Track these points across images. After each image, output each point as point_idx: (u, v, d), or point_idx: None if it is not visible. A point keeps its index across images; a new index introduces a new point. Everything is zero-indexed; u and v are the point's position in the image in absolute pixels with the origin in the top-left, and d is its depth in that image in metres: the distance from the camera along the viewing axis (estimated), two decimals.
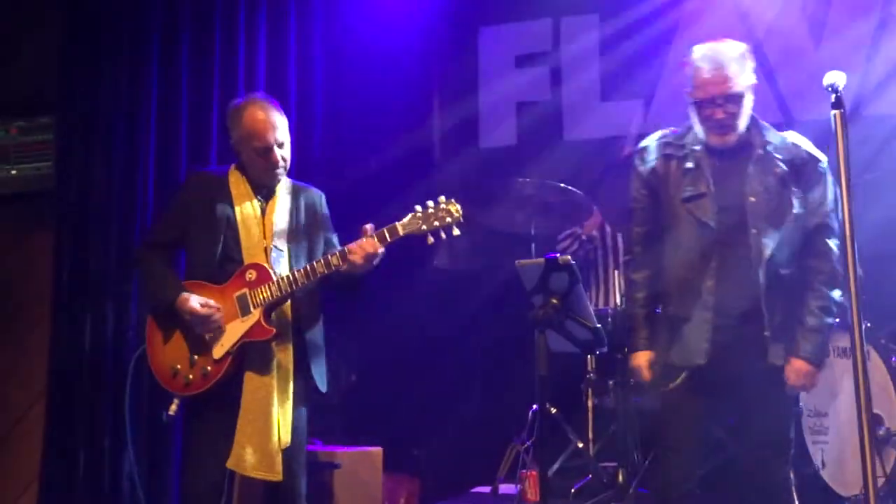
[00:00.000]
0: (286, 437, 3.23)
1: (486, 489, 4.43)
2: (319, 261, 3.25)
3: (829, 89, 2.76)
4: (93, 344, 4.22)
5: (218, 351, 3.22)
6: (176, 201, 3.49)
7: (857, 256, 2.69)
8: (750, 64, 3.13)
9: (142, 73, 4.24)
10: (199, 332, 3.23)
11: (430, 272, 5.27)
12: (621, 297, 4.19)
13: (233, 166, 3.45)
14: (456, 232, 3.20)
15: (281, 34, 4.88)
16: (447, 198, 3.20)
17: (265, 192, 3.40)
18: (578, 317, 2.89)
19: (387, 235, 3.20)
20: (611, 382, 4.23)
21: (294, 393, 3.27)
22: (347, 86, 5.37)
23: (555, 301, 2.85)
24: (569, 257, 2.88)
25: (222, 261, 3.30)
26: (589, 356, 4.24)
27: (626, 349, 3.26)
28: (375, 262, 3.22)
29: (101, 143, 4.18)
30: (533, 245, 4.53)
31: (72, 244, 4.15)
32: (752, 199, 3.07)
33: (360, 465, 4.45)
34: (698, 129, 3.14)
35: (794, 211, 3.07)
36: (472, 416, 4.97)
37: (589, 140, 5.34)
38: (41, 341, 4.27)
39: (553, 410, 4.24)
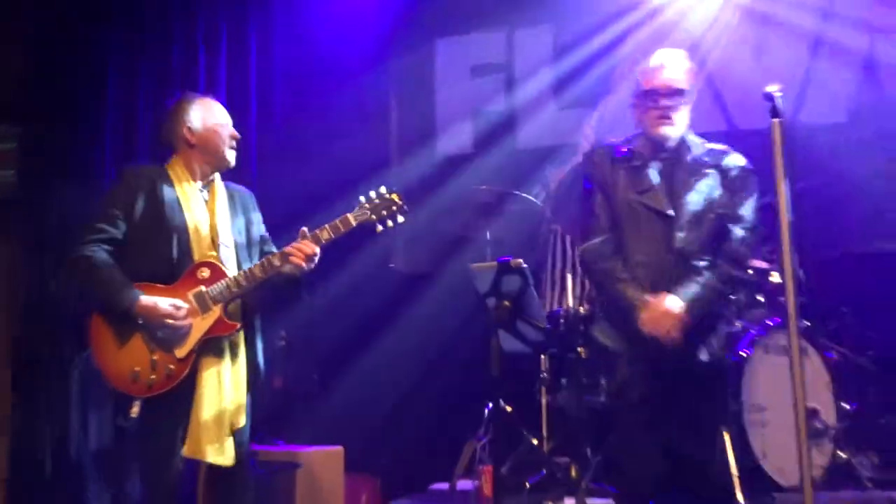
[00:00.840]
0: (238, 423, 3.23)
1: (445, 486, 4.43)
2: (267, 260, 3.25)
3: (768, 100, 2.87)
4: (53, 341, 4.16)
5: (181, 350, 3.16)
6: (114, 196, 3.30)
7: (801, 259, 2.79)
8: (692, 72, 3.35)
9: (102, 86, 4.21)
10: (164, 334, 3.16)
11: (387, 275, 5.31)
12: (574, 299, 4.24)
13: (170, 162, 3.36)
14: (401, 219, 3.26)
15: (242, 45, 4.87)
16: (388, 188, 3.27)
17: (206, 185, 3.36)
18: (530, 318, 2.95)
19: (340, 226, 3.23)
20: (563, 381, 4.25)
21: (246, 381, 3.28)
22: (307, 94, 5.37)
23: (507, 303, 2.91)
24: (521, 261, 2.94)
25: (176, 257, 3.22)
26: (543, 357, 4.27)
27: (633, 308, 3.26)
28: (313, 262, 3.24)
29: (62, 153, 4.13)
30: (488, 249, 4.59)
31: (34, 256, 4.09)
32: (684, 199, 3.26)
33: (322, 464, 4.45)
34: (643, 124, 3.34)
35: (716, 212, 3.27)
36: (430, 415, 5.00)
37: (542, 147, 5.41)
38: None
39: (508, 409, 4.27)
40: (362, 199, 3.27)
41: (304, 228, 3.26)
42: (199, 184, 3.35)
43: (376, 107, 5.67)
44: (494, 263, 2.97)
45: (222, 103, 4.06)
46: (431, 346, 4.97)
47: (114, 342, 3.22)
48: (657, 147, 3.34)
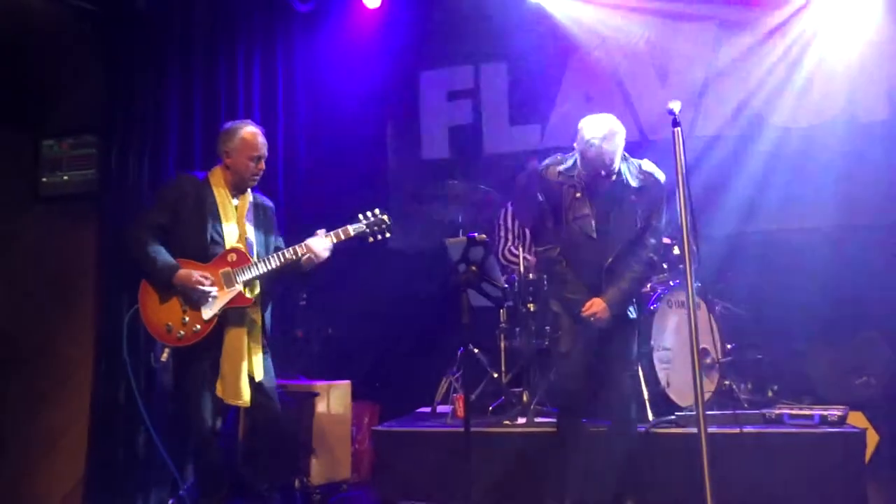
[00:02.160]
0: (258, 375, 3.25)
1: (427, 409, 4.44)
2: (287, 250, 3.28)
3: (670, 114, 2.85)
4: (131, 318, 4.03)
5: (207, 313, 3.19)
6: (167, 193, 3.35)
7: (696, 236, 2.79)
8: (621, 140, 3.19)
9: (165, 101, 4.12)
10: (195, 299, 3.16)
11: (386, 251, 5.29)
12: (524, 268, 4.20)
13: (213, 171, 3.37)
14: (388, 235, 3.36)
15: (270, 75, 4.80)
16: (381, 210, 3.36)
17: (238, 195, 3.37)
18: (491, 280, 2.94)
19: (341, 234, 3.33)
20: (518, 329, 4.23)
21: (262, 344, 3.30)
22: (323, 115, 5.34)
23: (474, 268, 2.89)
24: (485, 236, 2.92)
25: (209, 244, 3.25)
26: (501, 310, 4.25)
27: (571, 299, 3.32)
28: (326, 255, 3.28)
29: (133, 156, 4.05)
30: (460, 231, 4.56)
31: (110, 233, 4.01)
32: (615, 220, 3.24)
33: (334, 394, 4.43)
34: (582, 165, 3.22)
35: (638, 226, 3.25)
36: (416, 356, 4.96)
37: (502, 154, 5.39)
38: (87, 314, 4.11)
39: (476, 351, 4.29)
40: (360, 216, 3.34)
41: (321, 230, 3.31)
42: (231, 192, 3.35)
43: (376, 125, 5.65)
44: (464, 238, 2.95)
45: (256, 120, 4.04)
46: (417, 304, 4.95)
47: (155, 301, 3.23)
48: (593, 178, 3.22)
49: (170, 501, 3.75)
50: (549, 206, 3.32)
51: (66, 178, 4.20)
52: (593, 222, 3.23)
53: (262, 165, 3.37)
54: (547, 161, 3.38)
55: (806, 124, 4.87)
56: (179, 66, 4.22)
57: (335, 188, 5.13)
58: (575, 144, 3.23)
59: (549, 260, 3.36)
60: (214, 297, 3.19)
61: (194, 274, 3.17)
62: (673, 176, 2.89)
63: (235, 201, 3.35)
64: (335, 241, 3.31)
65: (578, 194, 3.24)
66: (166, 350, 3.19)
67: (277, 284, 3.49)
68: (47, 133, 4.25)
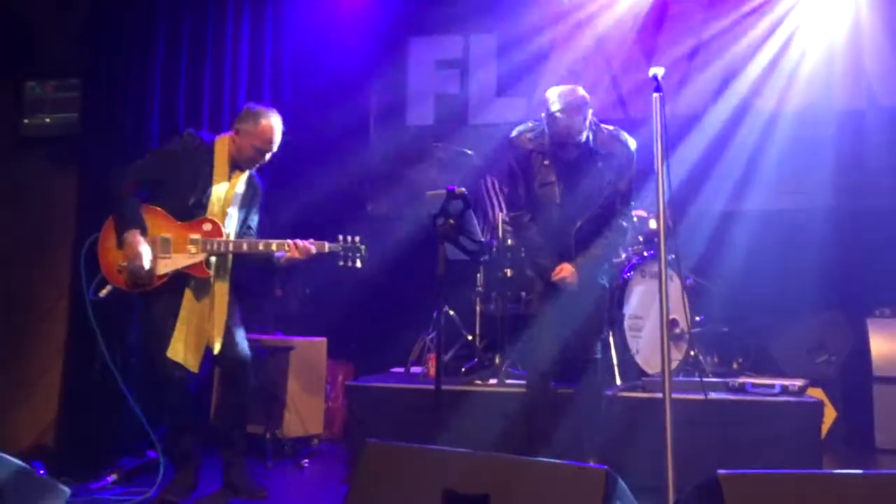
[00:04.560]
0: (216, 348, 3.20)
1: (401, 369, 4.46)
2: (265, 242, 3.24)
3: (653, 80, 2.84)
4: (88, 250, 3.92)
5: (162, 269, 3.16)
6: (170, 149, 3.31)
7: (674, 212, 2.81)
8: (588, 110, 3.18)
9: (150, 50, 4.05)
10: (128, 266, 3.09)
11: (367, 214, 5.29)
12: (502, 232, 4.20)
13: (222, 138, 3.34)
14: (359, 265, 3.32)
15: (259, 30, 4.72)
16: (361, 238, 3.32)
17: (234, 168, 3.34)
18: (469, 234, 2.94)
19: (323, 247, 3.28)
20: (493, 294, 4.24)
21: (227, 314, 3.25)
22: (308, 77, 5.25)
23: (451, 221, 2.88)
24: (464, 189, 2.92)
25: (191, 207, 3.22)
26: (478, 274, 4.27)
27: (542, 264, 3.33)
28: (306, 258, 3.25)
29: (117, 102, 3.98)
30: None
31: (92, 177, 3.96)
32: (583, 187, 3.24)
33: (310, 351, 4.44)
34: (550, 133, 3.21)
35: (605, 192, 3.25)
36: (392, 316, 4.97)
37: (487, 124, 5.35)
38: (65, 258, 4.05)
39: (451, 313, 4.30)
40: (340, 238, 3.31)
41: (310, 240, 3.26)
42: (228, 166, 3.31)
43: (361, 87, 5.57)
44: (443, 191, 2.94)
45: (244, 74, 3.96)
46: (395, 267, 4.93)
47: (115, 241, 3.18)
48: (559, 147, 3.22)
49: (141, 444, 3.73)
50: (519, 172, 3.33)
51: (48, 120, 4.14)
52: (559, 189, 3.24)
53: (266, 159, 3.35)
54: (520, 128, 3.38)
55: (784, 107, 4.92)
56: (168, 15, 4.15)
57: (317, 149, 5.07)
58: (542, 114, 3.23)
59: (520, 225, 3.39)
60: (170, 256, 3.15)
61: (138, 250, 3.10)
62: (652, 143, 2.90)
63: (231, 173, 3.33)
64: (315, 252, 3.27)
65: (546, 162, 3.26)
66: (108, 287, 3.15)
67: (248, 269, 3.45)
68: (30, 74, 4.16)
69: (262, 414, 4.02)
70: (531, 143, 3.29)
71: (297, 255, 3.24)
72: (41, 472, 3.20)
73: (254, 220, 3.44)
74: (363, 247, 3.31)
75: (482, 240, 2.93)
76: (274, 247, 3.24)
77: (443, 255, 2.85)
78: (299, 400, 4.30)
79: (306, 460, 4.01)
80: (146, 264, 3.11)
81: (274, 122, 3.32)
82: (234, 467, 3.33)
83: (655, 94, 2.79)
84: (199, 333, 3.19)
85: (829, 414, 4.30)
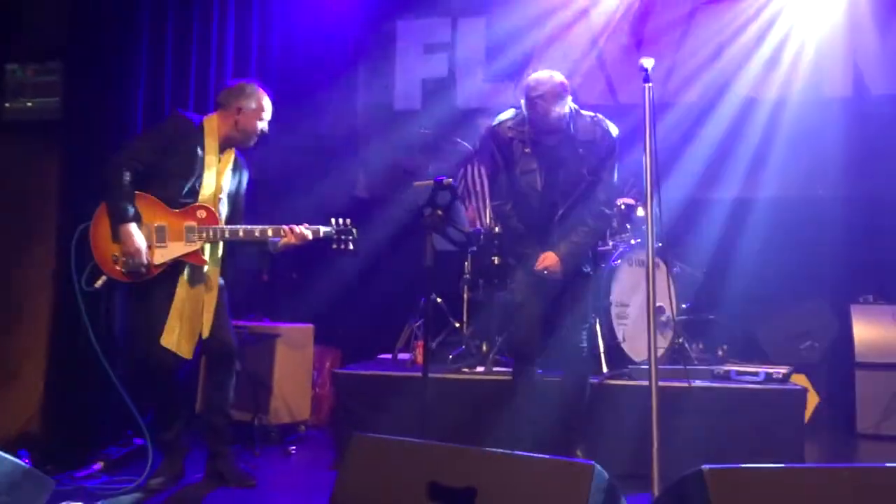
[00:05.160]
0: (206, 332, 3.19)
1: (388, 356, 4.45)
2: (261, 229, 3.20)
3: (642, 70, 2.81)
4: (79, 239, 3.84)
5: (158, 259, 3.12)
6: (164, 133, 3.22)
7: (657, 199, 2.79)
8: (567, 96, 3.13)
9: (134, 32, 3.95)
10: (127, 262, 3.05)
11: (354, 198, 5.24)
12: (490, 220, 4.19)
13: (210, 118, 3.27)
14: (352, 247, 3.29)
15: (245, 9, 4.63)
16: (352, 223, 3.29)
17: (225, 148, 3.28)
18: (456, 224, 2.91)
19: (311, 233, 3.25)
20: (481, 281, 4.23)
21: (217, 300, 3.24)
22: (296, 60, 5.18)
23: (439, 212, 2.86)
24: (451, 180, 2.89)
25: (185, 195, 3.17)
26: (466, 262, 4.25)
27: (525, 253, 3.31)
28: (300, 244, 3.23)
29: (101, 85, 3.89)
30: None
31: (75, 162, 3.88)
32: (564, 174, 3.20)
33: (297, 337, 4.41)
34: (530, 119, 3.16)
35: (586, 180, 3.21)
36: (379, 303, 4.96)
37: (475, 109, 5.30)
38: (49, 242, 3.98)
39: (438, 300, 4.28)
40: (333, 221, 3.28)
41: (304, 224, 3.24)
42: (221, 144, 3.25)
43: (348, 71, 5.51)
44: (431, 181, 2.92)
45: (230, 57, 3.88)
46: (382, 253, 4.91)
47: (108, 230, 3.12)
48: (539, 133, 3.18)
49: (128, 432, 3.71)
50: (501, 160, 3.30)
51: (29, 104, 4.04)
52: (539, 177, 3.21)
53: (265, 132, 3.34)
54: (501, 116, 3.35)
55: (771, 95, 4.91)
56: None
57: (304, 134, 5.01)
58: (522, 100, 3.19)
59: (502, 214, 3.37)
60: (166, 245, 3.11)
61: (138, 245, 3.06)
62: (642, 134, 2.88)
63: (221, 155, 3.27)
64: (311, 237, 3.25)
65: (527, 149, 3.22)
66: (103, 277, 3.11)
67: (237, 255, 3.42)
68: (11, 57, 4.07)
69: (249, 401, 4.00)
70: (511, 131, 3.25)
71: (293, 240, 3.21)
72: (26, 461, 3.18)
73: (241, 204, 3.40)
74: (355, 230, 3.29)
75: (470, 230, 2.90)
76: (270, 233, 3.21)
77: (430, 246, 2.83)
78: (286, 386, 4.28)
79: (293, 447, 4.00)
80: (145, 259, 3.08)
81: (266, 95, 3.32)
82: (221, 455, 3.32)
83: (646, 85, 2.76)
84: (193, 320, 3.16)
85: (812, 399, 4.35)
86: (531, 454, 1.97)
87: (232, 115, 3.25)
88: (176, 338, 3.11)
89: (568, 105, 3.15)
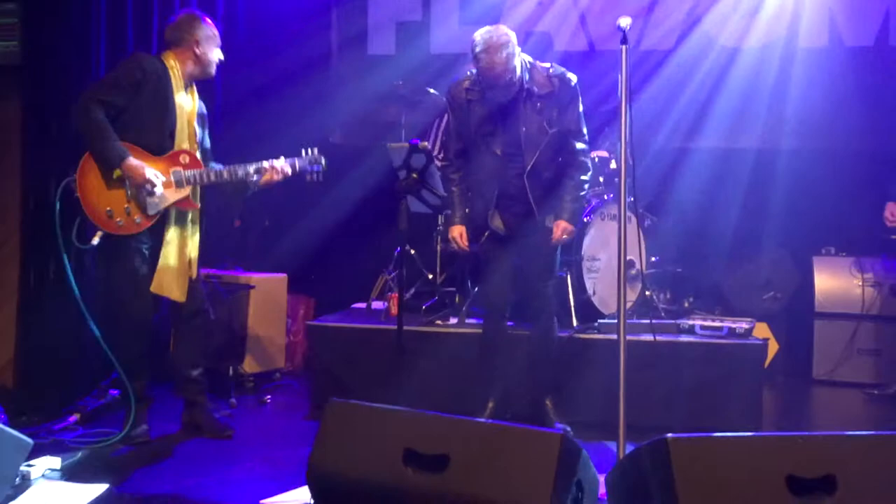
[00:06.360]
0: (194, 273, 3.22)
1: (363, 305, 4.47)
2: (244, 168, 3.16)
3: (620, 31, 2.75)
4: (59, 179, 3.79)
5: (152, 208, 3.08)
6: (130, 73, 3.05)
7: (633, 152, 2.77)
8: (514, 49, 3.06)
9: None
10: (139, 195, 3.03)
11: (327, 144, 5.13)
12: None
13: (167, 55, 3.15)
14: (320, 179, 3.26)
15: None
16: (319, 152, 3.25)
17: (188, 88, 3.20)
18: (431, 188, 2.88)
19: (290, 167, 3.22)
20: None
21: (198, 244, 3.24)
22: (265, 3, 4.99)
23: (415, 175, 2.83)
24: (427, 143, 2.85)
25: (165, 138, 3.09)
26: (440, 215, 4.23)
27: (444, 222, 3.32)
28: (281, 180, 3.21)
29: (60, 27, 3.70)
30: (403, 132, 4.45)
31: (37, 108, 3.73)
32: (524, 129, 3.16)
33: (270, 287, 4.39)
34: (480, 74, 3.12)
35: (550, 131, 3.17)
36: (354, 253, 4.95)
37: (450, 54, 5.18)
38: (13, 191, 3.85)
39: (412, 251, 4.27)
40: (303, 151, 3.24)
41: (281, 158, 3.20)
42: (184, 85, 3.16)
43: (321, 14, 5.32)
44: (406, 144, 2.87)
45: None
46: (356, 200, 4.87)
47: (100, 184, 3.06)
48: (489, 88, 3.12)
49: (103, 383, 3.71)
50: (456, 123, 3.27)
51: None
52: (498, 135, 3.18)
53: (221, 58, 3.27)
54: (458, 77, 3.31)
55: (745, 46, 4.86)
56: None
57: (276, 78, 4.87)
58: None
59: (446, 178, 3.36)
60: (162, 196, 3.07)
61: (147, 171, 3.01)
62: (616, 84, 2.84)
63: (188, 97, 3.18)
64: (290, 172, 3.21)
65: (483, 109, 3.18)
66: (99, 233, 3.05)
67: (209, 201, 3.36)
68: None
69: (224, 350, 4.01)
70: (466, 93, 3.22)
71: (275, 177, 3.20)
72: (2, 416, 3.17)
73: (208, 141, 3.34)
74: (323, 159, 3.26)
75: (444, 194, 2.88)
76: (252, 169, 3.17)
77: (405, 210, 2.81)
78: (260, 336, 4.30)
79: (269, 396, 4.04)
80: (160, 186, 3.03)
81: (212, 23, 3.25)
82: (197, 406, 3.34)
83: (622, 46, 2.70)
84: (182, 264, 3.17)
85: (773, 346, 4.49)
86: (503, 423, 2.02)
87: (191, 48, 3.15)
88: (168, 282, 3.12)
89: (517, 58, 3.10)
